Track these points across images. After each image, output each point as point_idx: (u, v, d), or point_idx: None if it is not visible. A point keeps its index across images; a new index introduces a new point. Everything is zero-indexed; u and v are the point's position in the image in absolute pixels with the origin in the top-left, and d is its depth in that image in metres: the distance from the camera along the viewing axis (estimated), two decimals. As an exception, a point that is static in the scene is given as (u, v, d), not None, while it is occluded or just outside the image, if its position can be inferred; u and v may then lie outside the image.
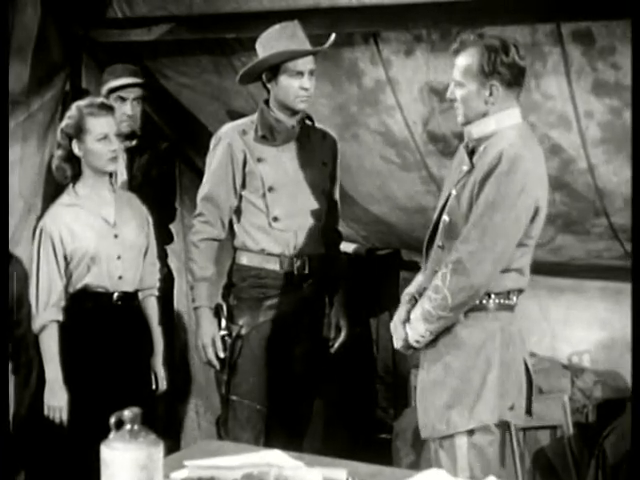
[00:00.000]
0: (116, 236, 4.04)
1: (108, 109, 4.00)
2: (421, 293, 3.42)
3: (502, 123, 3.32)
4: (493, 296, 3.32)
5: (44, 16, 4.70)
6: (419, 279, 3.56)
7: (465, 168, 3.37)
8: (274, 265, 4.13)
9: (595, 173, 4.30)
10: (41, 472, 4.22)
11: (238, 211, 4.17)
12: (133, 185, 4.80)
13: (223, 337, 4.15)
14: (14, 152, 4.63)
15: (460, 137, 4.02)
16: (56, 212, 4.03)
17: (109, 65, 4.88)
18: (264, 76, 4.06)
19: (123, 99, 4.76)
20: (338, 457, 2.95)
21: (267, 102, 4.12)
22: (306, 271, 4.17)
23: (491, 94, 3.29)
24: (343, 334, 4.33)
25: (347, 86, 4.57)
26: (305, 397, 4.35)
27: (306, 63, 4.00)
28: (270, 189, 4.10)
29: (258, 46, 4.04)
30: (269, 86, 4.07)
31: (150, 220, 4.20)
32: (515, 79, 3.30)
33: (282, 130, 4.09)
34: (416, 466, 4.53)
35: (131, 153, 4.85)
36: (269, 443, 4.11)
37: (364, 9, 4.14)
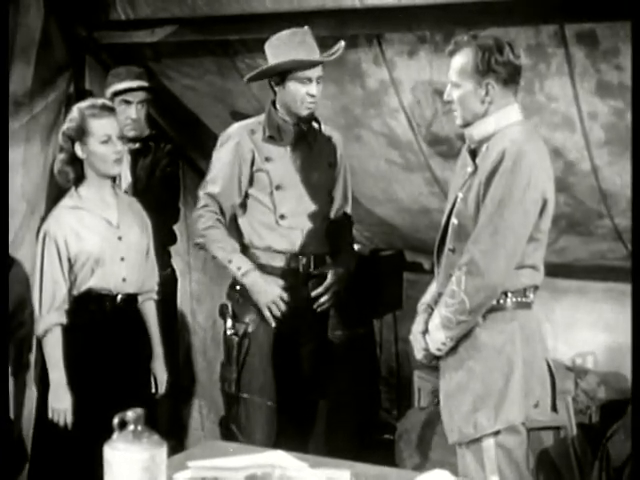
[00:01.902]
0: (120, 238, 4.02)
1: (110, 110, 3.97)
2: (437, 301, 3.41)
3: (502, 122, 3.31)
4: (510, 295, 3.31)
5: (47, 18, 4.71)
6: (432, 288, 3.55)
7: (469, 170, 3.37)
8: (280, 262, 4.16)
9: (599, 174, 4.30)
10: (44, 474, 4.21)
11: (244, 208, 4.19)
12: (137, 187, 4.79)
13: (230, 335, 4.18)
14: (17, 154, 4.63)
15: (463, 138, 4.02)
16: (60, 215, 4.01)
17: (112, 67, 4.88)
18: (272, 80, 4.09)
19: (127, 102, 4.75)
20: (341, 458, 2.95)
21: (274, 103, 4.14)
22: (311, 269, 4.19)
23: (487, 93, 3.29)
24: (326, 286, 4.21)
25: (351, 87, 4.57)
26: (311, 394, 4.34)
27: (314, 70, 4.01)
28: (277, 187, 4.12)
29: (267, 48, 4.05)
30: (276, 89, 4.09)
31: (149, 224, 4.20)
32: (511, 77, 3.30)
33: (289, 130, 4.12)
34: (419, 467, 4.52)
35: (135, 155, 4.84)
36: (278, 440, 4.15)
37: (368, 11, 4.14)
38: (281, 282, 4.14)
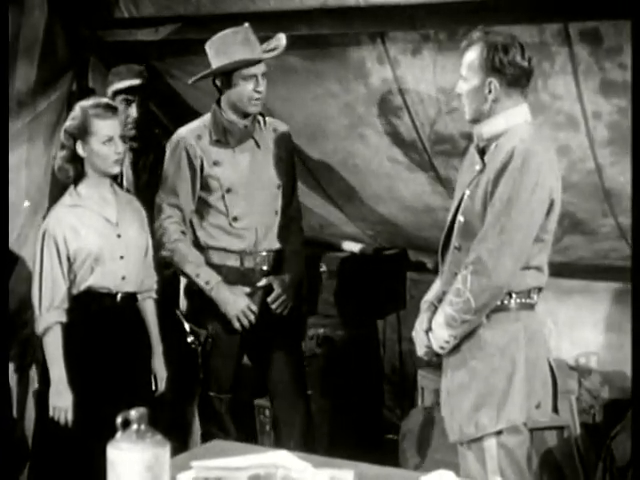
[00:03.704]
0: (119, 236, 4.03)
1: (113, 111, 3.99)
2: (440, 299, 3.41)
3: (511, 121, 3.31)
4: (514, 295, 3.31)
5: (51, 17, 4.71)
6: (436, 286, 3.55)
7: (477, 168, 3.36)
8: (235, 262, 4.26)
9: (602, 173, 4.30)
10: (45, 472, 4.22)
11: (199, 213, 4.29)
12: (139, 185, 4.79)
13: (192, 343, 4.26)
14: (20, 153, 4.63)
15: (467, 137, 4.02)
16: (59, 213, 4.02)
17: (115, 65, 4.87)
18: (217, 80, 4.18)
19: (128, 101, 4.75)
20: (345, 458, 2.95)
21: (219, 102, 4.23)
22: (265, 267, 4.29)
23: (490, 91, 3.29)
24: (273, 298, 4.32)
25: (354, 86, 4.57)
26: (284, 391, 4.44)
27: (258, 67, 4.11)
28: (228, 190, 4.22)
29: (209, 49, 4.14)
30: (222, 89, 4.19)
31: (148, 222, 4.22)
32: (515, 79, 3.29)
33: (235, 131, 4.21)
34: (423, 467, 4.52)
35: (137, 153, 4.84)
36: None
37: (371, 9, 4.14)
38: (247, 290, 4.27)
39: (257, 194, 4.25)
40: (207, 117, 4.28)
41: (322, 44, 4.43)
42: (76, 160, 4.00)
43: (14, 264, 4.63)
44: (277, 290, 4.28)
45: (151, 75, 4.89)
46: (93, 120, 3.93)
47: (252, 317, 4.24)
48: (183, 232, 4.28)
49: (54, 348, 3.99)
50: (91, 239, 3.98)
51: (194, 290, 4.30)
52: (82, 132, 3.94)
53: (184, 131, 4.30)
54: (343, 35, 4.35)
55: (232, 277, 4.25)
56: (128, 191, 4.55)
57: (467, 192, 3.38)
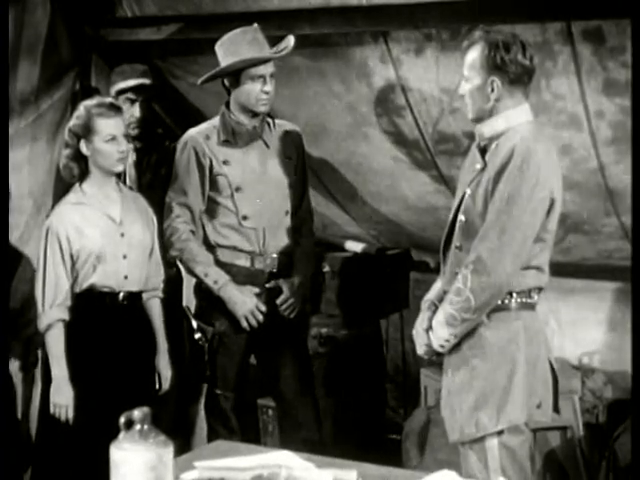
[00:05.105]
0: (122, 235, 4.04)
1: (117, 110, 4.01)
2: (441, 299, 3.41)
3: (512, 121, 3.31)
4: (515, 295, 3.31)
5: (54, 16, 4.71)
6: (437, 285, 3.55)
7: (478, 167, 3.36)
8: (245, 262, 4.27)
9: (606, 173, 4.29)
10: (48, 470, 4.22)
11: (208, 212, 4.30)
12: (142, 184, 4.79)
13: (199, 340, 4.25)
14: (23, 152, 4.63)
15: (470, 136, 4.01)
16: (63, 211, 4.04)
17: (118, 64, 4.88)
18: (226, 80, 4.20)
19: (132, 101, 4.75)
20: (348, 458, 2.95)
21: (228, 104, 4.24)
22: (275, 270, 4.30)
23: (492, 90, 3.29)
24: (282, 300, 4.32)
25: (357, 85, 4.57)
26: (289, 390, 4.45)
27: (267, 67, 4.12)
28: (237, 189, 4.23)
29: (218, 49, 4.16)
30: (230, 89, 4.20)
31: (155, 221, 4.22)
32: (517, 77, 3.28)
33: (244, 132, 4.22)
34: (426, 467, 4.51)
35: (140, 153, 4.84)
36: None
37: (374, 8, 4.14)
38: (256, 290, 4.27)
39: (267, 193, 4.26)
40: (216, 119, 4.29)
41: (325, 43, 4.43)
42: (80, 158, 4.02)
43: (17, 263, 4.64)
44: (286, 293, 4.29)
45: (154, 74, 4.89)
46: (96, 119, 3.95)
47: (260, 317, 4.25)
48: (192, 231, 4.29)
49: (56, 345, 4.00)
50: (94, 238, 3.99)
51: (203, 288, 4.31)
52: (86, 131, 3.96)
53: (193, 132, 4.32)
54: (346, 34, 4.36)
55: (241, 277, 4.26)
56: (131, 189, 4.55)
57: (468, 191, 3.38)
